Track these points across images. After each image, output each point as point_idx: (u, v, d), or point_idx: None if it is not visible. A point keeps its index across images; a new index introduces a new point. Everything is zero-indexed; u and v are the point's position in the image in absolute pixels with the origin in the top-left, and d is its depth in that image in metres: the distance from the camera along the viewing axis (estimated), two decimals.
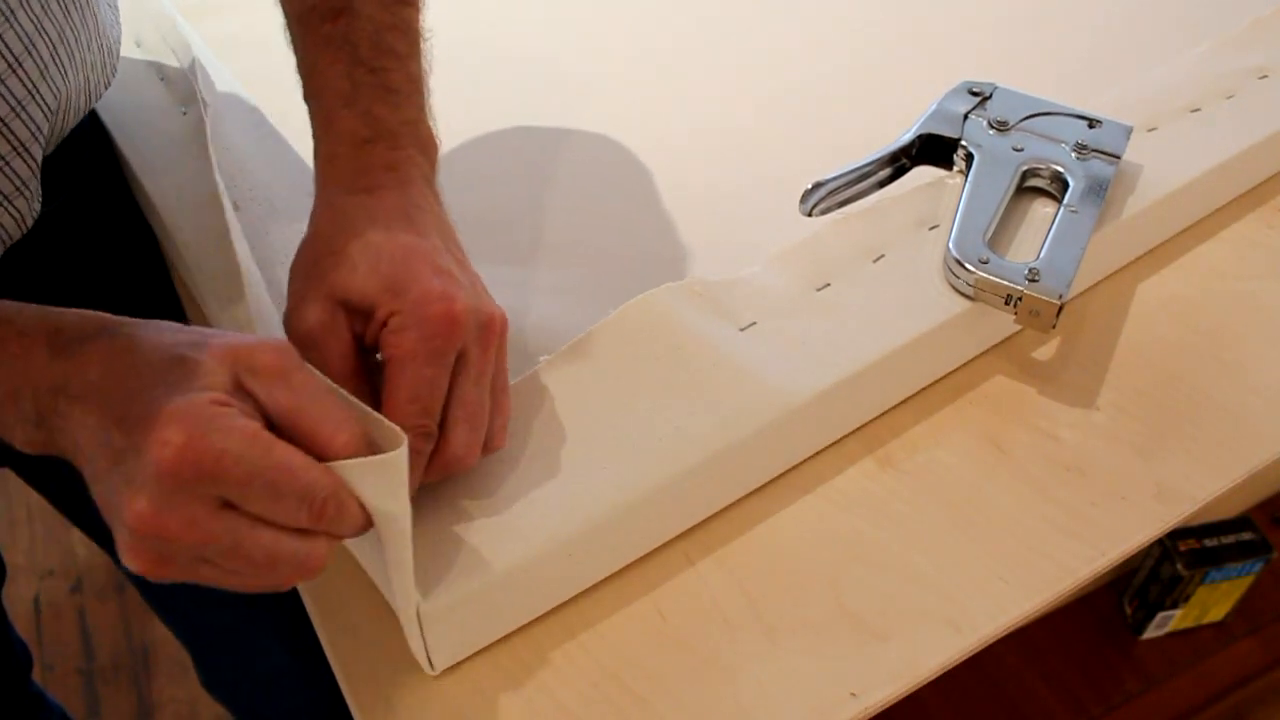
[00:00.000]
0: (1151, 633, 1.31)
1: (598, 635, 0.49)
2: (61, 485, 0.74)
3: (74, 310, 0.42)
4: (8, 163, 0.52)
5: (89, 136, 0.67)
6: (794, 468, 0.54)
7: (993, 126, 0.62)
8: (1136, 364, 0.59)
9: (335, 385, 0.41)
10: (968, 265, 0.55)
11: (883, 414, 0.57)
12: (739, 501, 0.53)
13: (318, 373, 0.41)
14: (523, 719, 0.46)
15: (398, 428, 0.41)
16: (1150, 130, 0.66)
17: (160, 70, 0.73)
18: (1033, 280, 0.54)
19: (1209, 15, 0.79)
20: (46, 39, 0.52)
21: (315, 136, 0.51)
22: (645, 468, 0.49)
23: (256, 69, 0.75)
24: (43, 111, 0.53)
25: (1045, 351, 0.60)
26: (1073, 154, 0.61)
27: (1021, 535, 0.52)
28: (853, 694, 0.46)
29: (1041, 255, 0.56)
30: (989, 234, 0.57)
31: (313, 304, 0.45)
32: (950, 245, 0.56)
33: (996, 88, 0.65)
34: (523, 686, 0.47)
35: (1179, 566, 1.25)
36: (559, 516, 0.47)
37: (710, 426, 0.50)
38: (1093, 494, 0.53)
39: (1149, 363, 0.59)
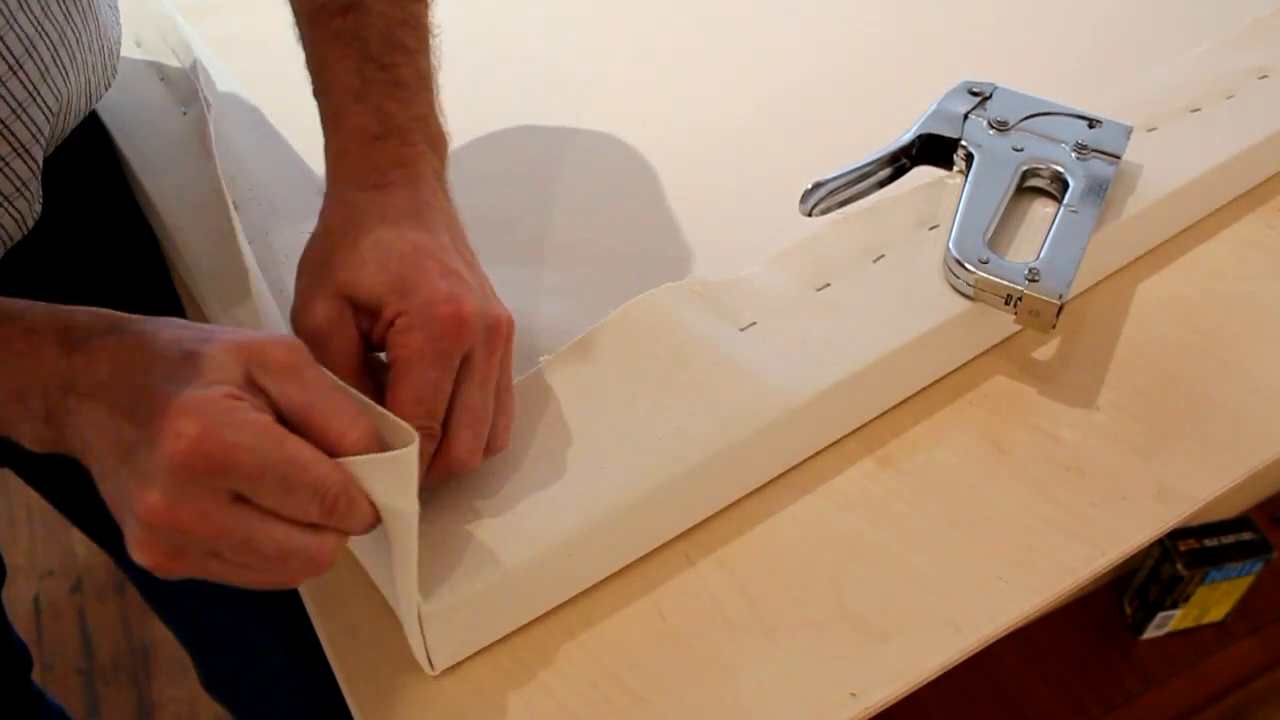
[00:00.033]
0: (1151, 633, 1.31)
1: (598, 635, 0.49)
2: (62, 485, 0.74)
3: (83, 308, 0.42)
4: (8, 164, 0.52)
5: (89, 137, 0.67)
6: (794, 468, 0.54)
7: (993, 126, 0.62)
8: (1136, 364, 0.59)
9: (342, 383, 0.41)
10: (968, 265, 0.55)
11: (883, 414, 0.57)
12: (739, 501, 0.53)
13: (326, 370, 0.41)
14: (523, 719, 0.46)
15: (408, 425, 0.41)
16: (1150, 130, 0.66)
17: (160, 70, 0.73)
18: (1033, 280, 0.54)
19: (1209, 15, 0.79)
20: (47, 41, 0.52)
21: (325, 132, 0.51)
22: (645, 468, 0.49)
23: (256, 69, 0.75)
24: (43, 113, 0.53)
25: (1045, 351, 0.60)
26: (1073, 154, 0.61)
27: (1021, 535, 0.52)
28: (853, 694, 0.46)
29: (1041, 255, 0.56)
30: (989, 234, 0.57)
31: (321, 300, 0.45)
32: (950, 245, 0.56)
33: (996, 88, 0.65)
34: (523, 686, 0.47)
35: (1179, 566, 1.25)
36: (559, 516, 0.47)
37: (710, 426, 0.50)
38: (1093, 494, 0.53)
39: (1149, 363, 0.59)
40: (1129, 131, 0.62)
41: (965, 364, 0.59)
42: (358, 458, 0.40)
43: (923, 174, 0.63)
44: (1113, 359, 0.59)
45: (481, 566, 0.46)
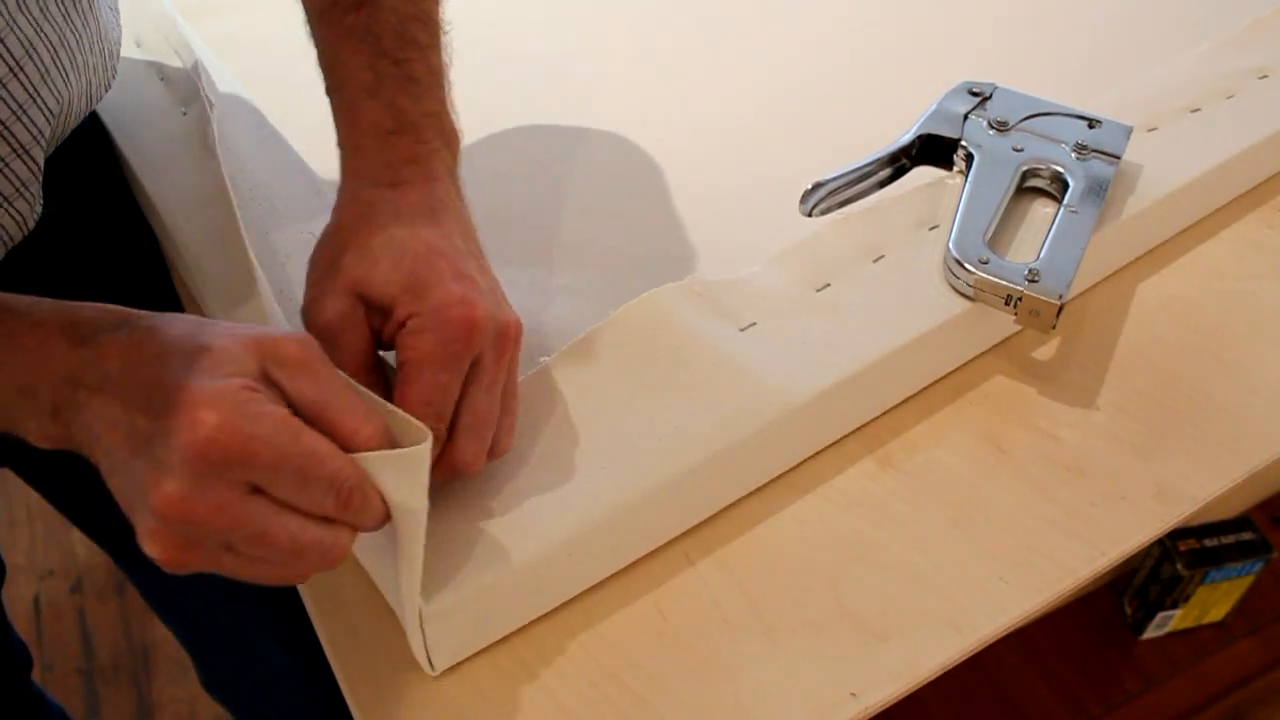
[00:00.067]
0: (1151, 633, 1.31)
1: (598, 635, 0.49)
2: (62, 485, 0.74)
3: (89, 304, 0.42)
4: (8, 165, 0.52)
5: (89, 137, 0.67)
6: (794, 468, 0.54)
7: (993, 127, 0.62)
8: (1136, 364, 0.59)
9: (353, 380, 0.41)
10: (968, 265, 0.55)
11: (883, 414, 0.57)
12: (739, 501, 0.53)
13: (336, 369, 0.41)
14: (523, 719, 0.46)
15: (420, 423, 0.41)
16: (1150, 130, 0.66)
17: (160, 70, 0.73)
18: (1033, 280, 0.54)
19: (1209, 15, 0.79)
20: (47, 43, 0.52)
21: (338, 128, 0.51)
22: (645, 468, 0.49)
23: (256, 69, 0.75)
24: (44, 115, 0.53)
25: (1045, 351, 0.60)
26: (1073, 154, 0.61)
27: (1021, 535, 0.52)
28: (853, 694, 0.46)
29: (1041, 255, 0.56)
30: (989, 234, 0.57)
31: (333, 296, 0.45)
32: (950, 245, 0.56)
33: (996, 88, 0.65)
34: (523, 686, 0.47)
35: (1179, 566, 1.25)
36: (559, 516, 0.47)
37: (710, 426, 0.50)
38: (1093, 494, 0.53)
39: (1149, 363, 0.59)
40: (1129, 131, 0.62)
41: (965, 364, 0.59)
42: (371, 453, 0.40)
43: (923, 174, 0.63)
44: (1113, 359, 0.59)
45: (481, 567, 0.46)
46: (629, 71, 0.78)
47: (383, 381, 0.47)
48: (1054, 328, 0.55)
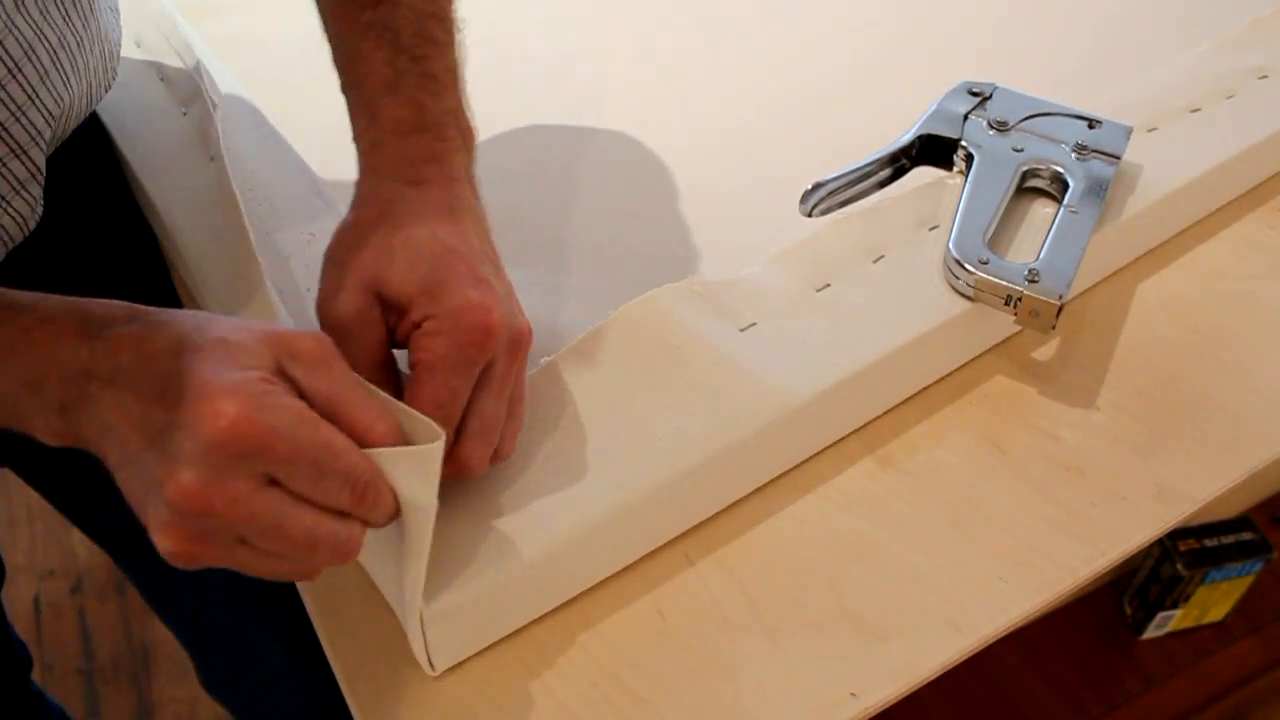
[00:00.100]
0: (1151, 633, 1.31)
1: (598, 635, 0.49)
2: (62, 485, 0.74)
3: (97, 300, 0.42)
4: (5, 165, 0.52)
5: (89, 137, 0.67)
6: (794, 468, 0.54)
7: (993, 127, 0.62)
8: (1136, 364, 0.59)
9: (364, 380, 0.42)
10: (968, 266, 0.55)
11: (883, 414, 0.57)
12: (739, 501, 0.53)
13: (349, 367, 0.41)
14: (523, 719, 0.46)
15: (433, 422, 0.41)
16: (1150, 130, 0.66)
17: (160, 70, 0.73)
18: (1033, 281, 0.54)
19: (1209, 15, 0.79)
20: (46, 44, 0.52)
21: (356, 125, 0.51)
22: (645, 468, 0.49)
23: (256, 69, 0.75)
24: (43, 116, 0.53)
25: (1045, 351, 0.60)
26: (1073, 154, 0.61)
27: (1021, 535, 0.52)
28: (853, 694, 0.46)
29: (1041, 255, 0.56)
30: (989, 234, 0.57)
31: (350, 292, 0.45)
32: (950, 245, 0.56)
33: (996, 88, 0.65)
34: (523, 686, 0.47)
35: (1179, 566, 1.25)
36: (559, 517, 0.47)
37: (710, 426, 0.50)
38: (1093, 494, 0.53)
39: (1149, 363, 0.59)
40: (1129, 132, 0.62)
41: (965, 364, 0.59)
42: (385, 449, 0.40)
43: (923, 174, 0.63)
44: (1113, 359, 0.59)
45: (482, 567, 0.46)
46: (629, 71, 0.78)
47: (395, 379, 0.47)
48: (1054, 328, 0.55)
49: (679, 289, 0.56)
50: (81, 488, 0.72)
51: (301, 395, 0.39)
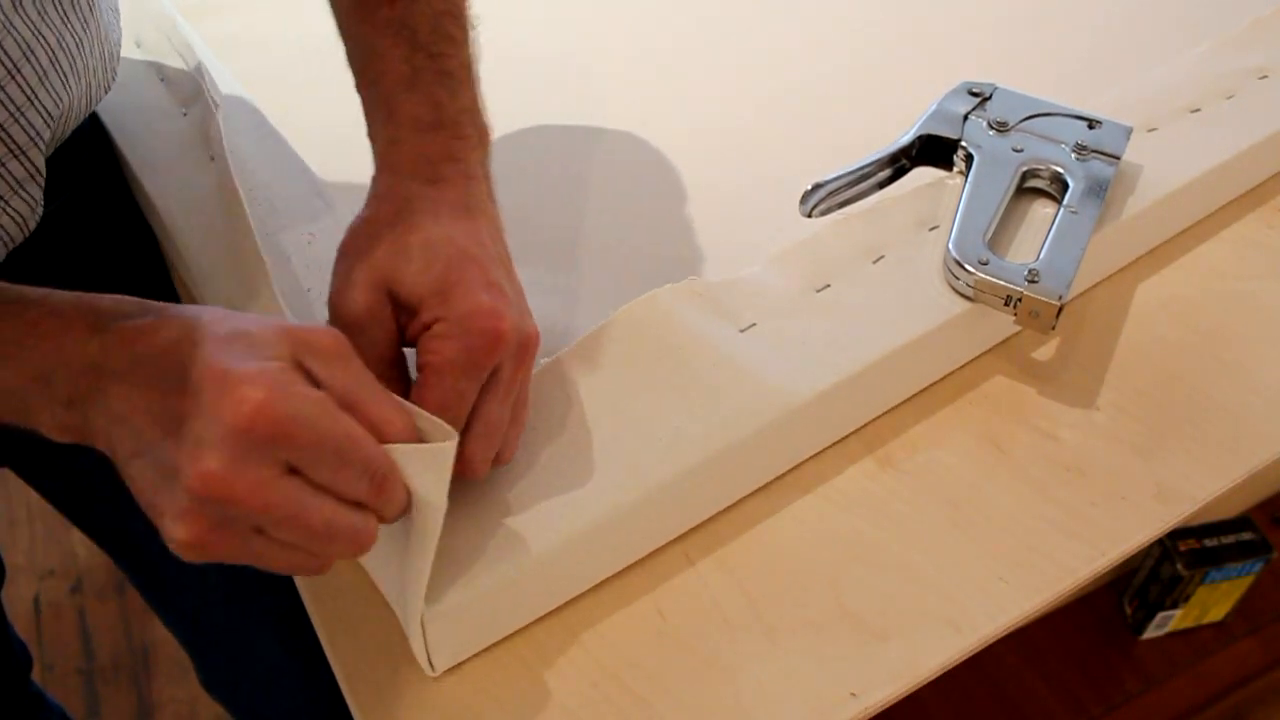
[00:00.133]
0: (1151, 633, 1.31)
1: (598, 635, 0.49)
2: (62, 485, 0.74)
3: (106, 295, 0.42)
4: (4, 165, 0.52)
5: (89, 137, 0.67)
6: (794, 468, 0.54)
7: (993, 127, 0.62)
8: (1136, 364, 0.59)
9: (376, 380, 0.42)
10: (968, 266, 0.55)
11: (883, 414, 0.57)
12: (739, 501, 0.53)
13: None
14: (523, 719, 0.46)
15: (445, 423, 0.41)
16: (1150, 130, 0.66)
17: (160, 71, 0.73)
18: (1032, 281, 0.54)
19: (1209, 15, 0.79)
20: (45, 45, 0.52)
21: (372, 122, 0.51)
22: (645, 468, 0.49)
23: (256, 69, 0.75)
24: (42, 117, 0.53)
25: (1045, 351, 0.60)
26: (1072, 154, 0.61)
27: (1021, 535, 0.52)
28: (853, 694, 0.46)
29: (1041, 256, 0.56)
30: (989, 235, 0.57)
31: (362, 289, 0.45)
32: (950, 246, 0.56)
33: (996, 88, 0.65)
34: (523, 686, 0.47)
35: (1179, 566, 1.25)
36: (559, 517, 0.47)
37: (710, 427, 0.50)
38: (1093, 494, 0.53)
39: (1149, 363, 0.59)
40: (1129, 132, 0.62)
41: (965, 364, 0.59)
42: (401, 445, 0.40)
43: (923, 174, 0.63)
44: (1113, 359, 0.59)
45: (481, 568, 0.46)
46: (629, 71, 0.78)
47: (404, 378, 0.47)
48: (1054, 328, 0.55)
49: (679, 289, 0.56)
50: (81, 488, 0.72)
51: (320, 389, 0.39)
